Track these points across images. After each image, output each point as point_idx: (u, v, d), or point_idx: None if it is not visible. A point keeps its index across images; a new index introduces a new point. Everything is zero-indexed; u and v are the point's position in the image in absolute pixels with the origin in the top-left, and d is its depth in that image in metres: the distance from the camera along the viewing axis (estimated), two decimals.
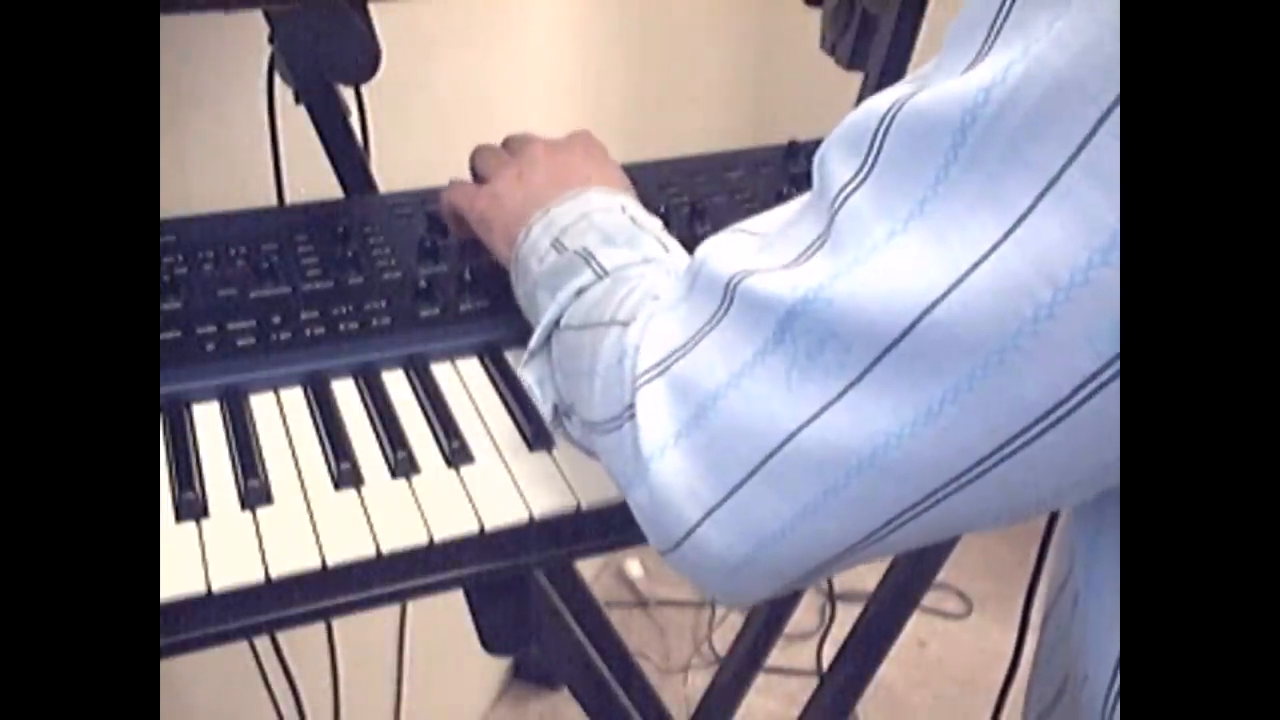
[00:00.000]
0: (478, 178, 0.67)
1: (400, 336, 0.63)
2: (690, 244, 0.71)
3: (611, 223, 0.55)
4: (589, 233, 0.54)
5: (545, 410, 0.53)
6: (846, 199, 0.35)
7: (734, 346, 0.38)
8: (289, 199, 0.87)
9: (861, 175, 0.35)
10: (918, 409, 0.34)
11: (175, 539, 0.50)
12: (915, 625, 1.15)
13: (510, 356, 0.63)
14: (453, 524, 0.51)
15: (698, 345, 0.40)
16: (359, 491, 0.54)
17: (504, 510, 0.52)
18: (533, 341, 0.53)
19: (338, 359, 0.62)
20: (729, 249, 0.42)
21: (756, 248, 0.40)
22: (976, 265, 0.32)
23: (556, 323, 0.52)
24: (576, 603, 0.93)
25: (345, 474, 0.54)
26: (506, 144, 0.69)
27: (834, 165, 0.36)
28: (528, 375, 0.53)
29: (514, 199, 0.60)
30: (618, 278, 0.50)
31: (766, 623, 1.24)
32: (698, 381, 0.39)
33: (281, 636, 1.01)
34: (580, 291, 0.51)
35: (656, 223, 0.57)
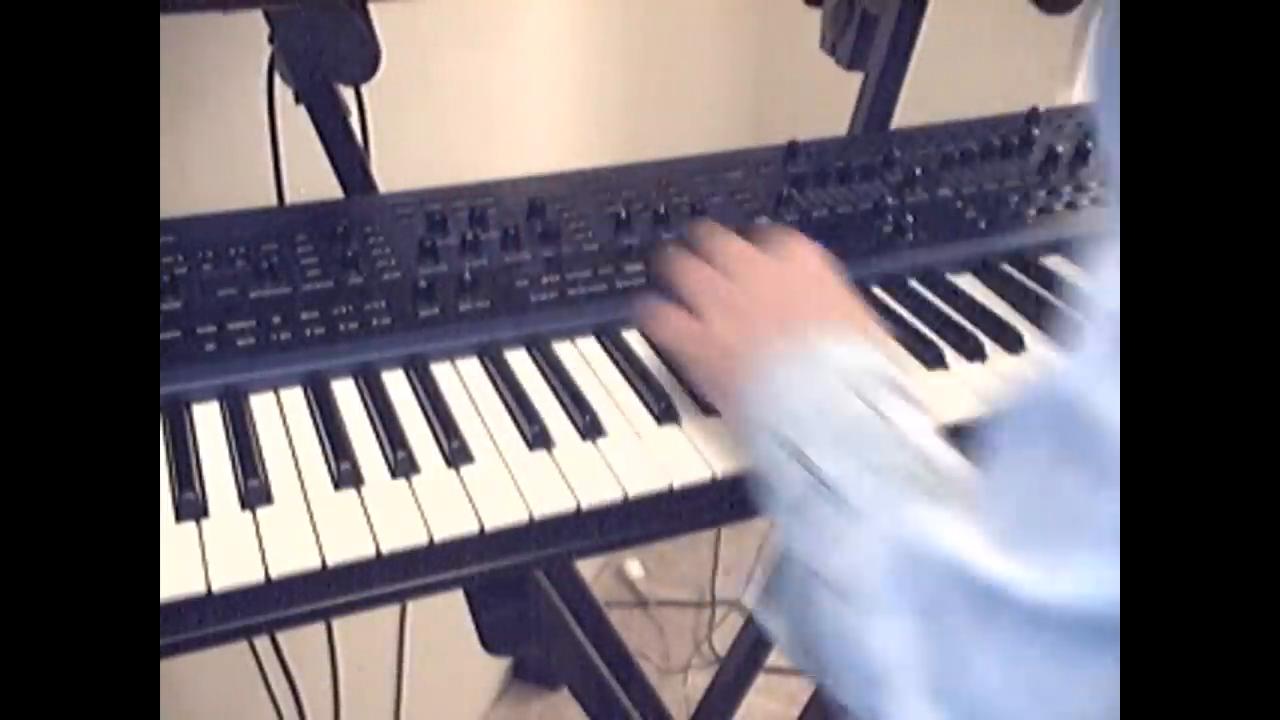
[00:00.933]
0: (674, 278, 0.60)
1: (400, 336, 0.63)
2: (691, 244, 0.72)
3: (840, 409, 0.47)
4: (811, 421, 0.47)
5: (797, 657, 0.47)
6: None
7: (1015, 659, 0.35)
8: (289, 199, 0.87)
9: None
10: None
11: (175, 539, 0.50)
12: None
13: (510, 356, 0.64)
14: (453, 524, 0.51)
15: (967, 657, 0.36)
16: (359, 491, 0.54)
17: (504, 510, 0.52)
18: (771, 578, 0.48)
19: (338, 359, 0.62)
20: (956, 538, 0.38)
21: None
22: None
23: (798, 562, 0.46)
24: (576, 603, 0.93)
25: (345, 474, 0.54)
26: (703, 245, 0.61)
27: None
28: (767, 620, 0.48)
29: (729, 345, 0.54)
30: (838, 501, 0.44)
31: None
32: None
33: (281, 636, 1.01)
34: (798, 507, 0.46)
35: (895, 376, 0.50)
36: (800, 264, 0.58)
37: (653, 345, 0.63)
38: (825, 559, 0.43)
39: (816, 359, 0.50)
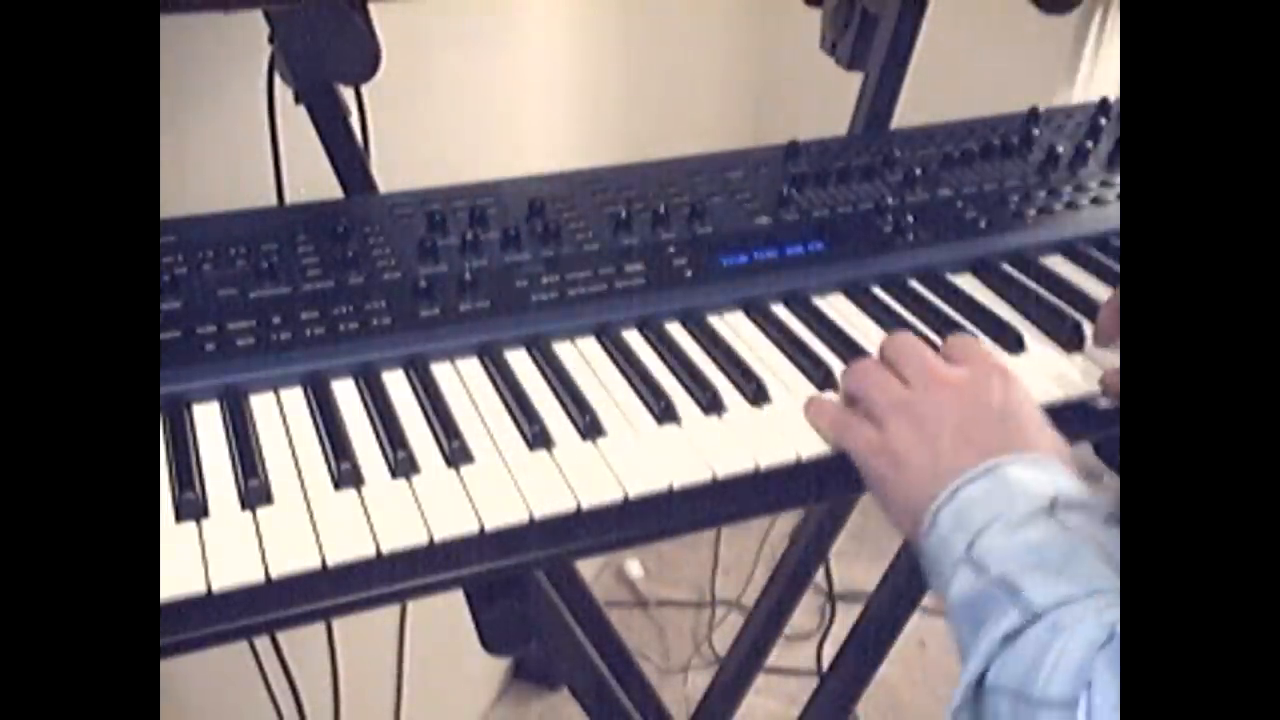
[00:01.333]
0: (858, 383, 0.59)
1: (400, 336, 0.63)
2: (690, 244, 0.72)
3: (1038, 532, 0.46)
4: (1011, 547, 0.46)
5: None
6: None
7: None
8: (289, 199, 0.87)
9: None
10: None
11: (175, 539, 0.50)
12: (915, 625, 1.15)
13: (510, 356, 0.64)
14: (453, 524, 0.51)
15: None
16: (359, 491, 0.54)
17: (504, 510, 0.52)
18: (957, 696, 0.45)
19: (338, 359, 0.61)
20: None
21: None
22: None
23: (982, 677, 0.44)
24: (576, 603, 0.93)
25: (345, 474, 0.54)
26: (886, 351, 0.59)
27: None
28: None
29: (916, 463, 0.52)
30: (1054, 624, 0.42)
31: (766, 623, 1.24)
32: None
33: (281, 636, 1.01)
34: (1007, 639, 0.44)
35: (1095, 500, 0.48)
36: (985, 377, 0.56)
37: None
38: (1044, 677, 0.41)
39: (1002, 475, 0.49)
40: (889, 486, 0.54)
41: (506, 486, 0.54)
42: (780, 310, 0.69)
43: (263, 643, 1.02)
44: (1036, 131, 0.88)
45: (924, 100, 0.97)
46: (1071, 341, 0.66)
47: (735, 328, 0.68)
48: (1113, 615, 0.41)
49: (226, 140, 0.89)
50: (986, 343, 0.66)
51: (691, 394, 0.61)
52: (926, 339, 0.66)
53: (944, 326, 0.67)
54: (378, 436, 0.57)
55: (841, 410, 0.58)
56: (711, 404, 0.60)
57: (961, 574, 0.47)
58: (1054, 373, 0.64)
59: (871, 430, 0.55)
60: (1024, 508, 0.47)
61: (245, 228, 0.70)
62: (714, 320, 0.68)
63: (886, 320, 0.69)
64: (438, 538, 0.51)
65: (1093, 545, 0.45)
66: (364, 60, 0.74)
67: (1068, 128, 0.90)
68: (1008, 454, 0.50)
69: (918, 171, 0.81)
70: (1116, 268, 0.74)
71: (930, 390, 0.55)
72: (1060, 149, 0.84)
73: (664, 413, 0.59)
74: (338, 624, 1.12)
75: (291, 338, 0.62)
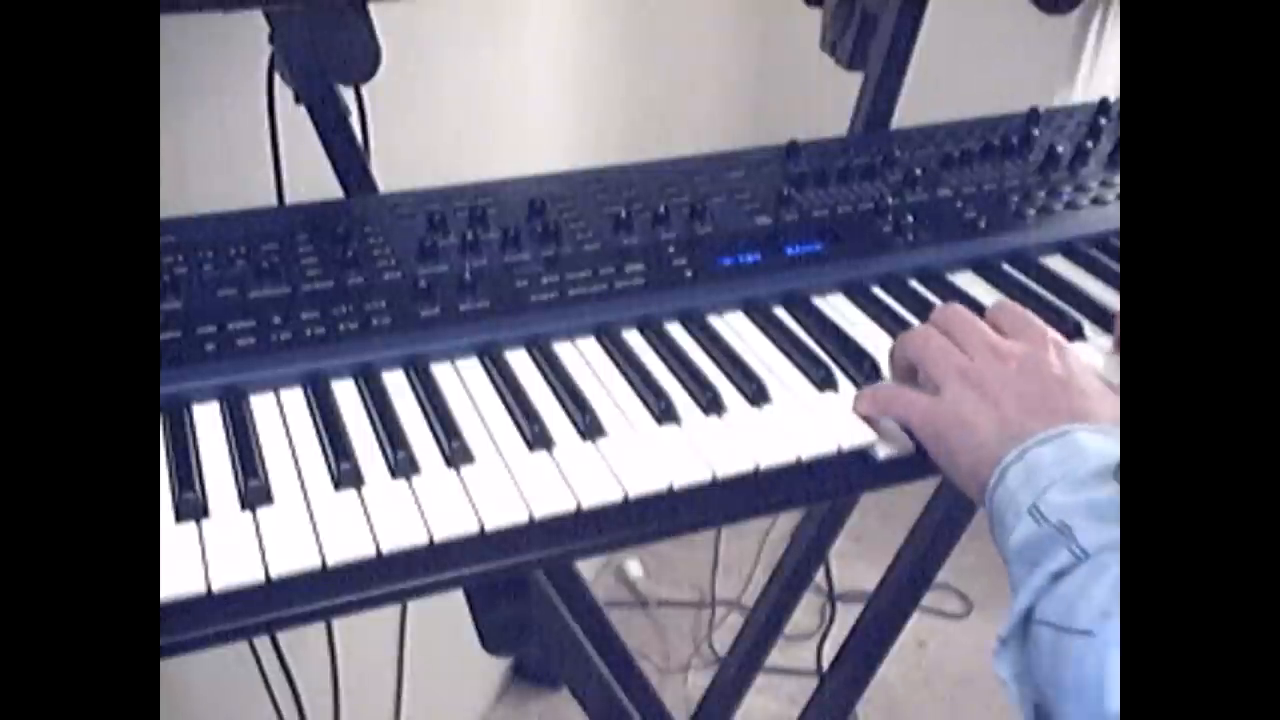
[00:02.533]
0: (906, 357, 0.60)
1: (400, 336, 0.63)
2: (690, 244, 0.72)
3: (1101, 491, 0.47)
4: (1072, 498, 0.47)
5: (1026, 712, 0.47)
6: None
7: None
8: (289, 199, 0.87)
9: None
10: None
11: (175, 539, 0.50)
12: (915, 625, 1.15)
13: (510, 356, 0.64)
14: (453, 524, 0.51)
15: None
16: (359, 491, 0.54)
17: (504, 510, 0.52)
18: (1003, 629, 0.47)
19: (338, 359, 0.61)
20: None
21: None
22: None
23: (1030, 612, 0.46)
24: (576, 603, 0.93)
25: (345, 474, 0.54)
26: (940, 322, 0.60)
27: None
28: (1001, 668, 0.48)
29: (983, 426, 0.53)
30: (1098, 564, 0.44)
31: (766, 623, 1.24)
32: None
33: (281, 636, 1.01)
34: (1056, 576, 0.46)
35: None
36: (1042, 348, 0.57)
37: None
38: (1081, 609, 0.43)
39: (1071, 439, 0.50)
40: (954, 445, 0.54)
41: (506, 486, 0.54)
42: (780, 310, 0.69)
43: (263, 643, 1.01)
44: (1036, 131, 0.88)
45: (924, 100, 0.97)
46: (1071, 341, 0.66)
47: (735, 328, 0.68)
48: None
49: (226, 140, 0.89)
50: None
51: (691, 394, 0.61)
52: None
53: None
54: (378, 437, 0.57)
55: (891, 387, 0.59)
56: (711, 404, 0.60)
57: (1024, 523, 0.49)
58: None
59: (930, 396, 0.56)
60: (1089, 469, 0.48)
61: (245, 228, 0.70)
62: (714, 320, 0.68)
63: (886, 320, 0.69)
64: (438, 538, 0.51)
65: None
66: (364, 60, 0.74)
67: (1068, 128, 0.90)
68: (1075, 419, 0.51)
69: (918, 171, 0.81)
70: (1116, 268, 0.74)
71: (991, 358, 0.56)
72: (1060, 149, 0.84)
73: (664, 413, 0.59)
74: (338, 624, 1.12)
75: (291, 338, 0.62)
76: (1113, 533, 0.45)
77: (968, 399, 0.55)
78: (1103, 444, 0.49)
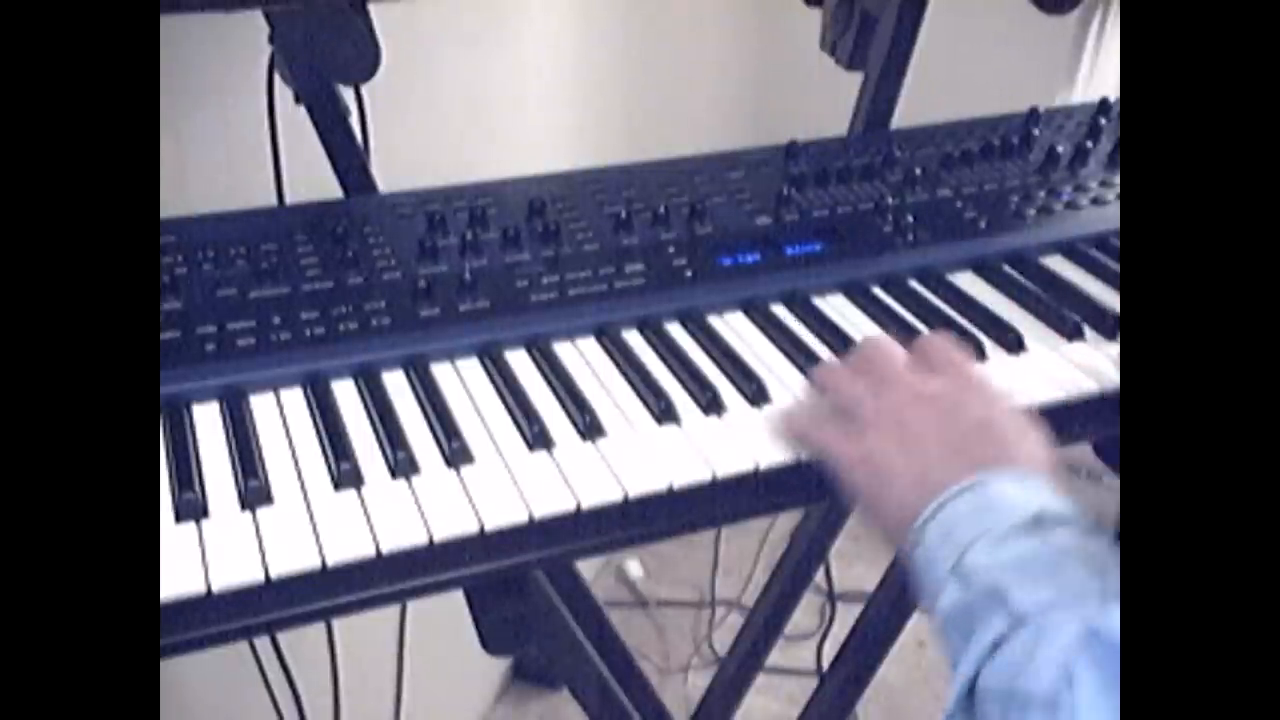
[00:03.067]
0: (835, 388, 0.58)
1: (400, 336, 0.63)
2: (690, 244, 0.72)
3: (1023, 547, 0.46)
4: (996, 556, 0.46)
5: None
6: None
7: None
8: (289, 199, 0.87)
9: None
10: None
11: (175, 539, 0.50)
12: (915, 625, 1.15)
13: (510, 356, 0.64)
14: (453, 524, 0.51)
15: None
16: (359, 491, 0.54)
17: (504, 510, 0.52)
18: (950, 703, 0.46)
19: (338, 359, 0.61)
20: None
21: None
22: None
23: (973, 684, 0.45)
24: (576, 603, 0.93)
25: (345, 474, 0.54)
26: (861, 356, 0.58)
27: None
28: None
29: (899, 476, 0.52)
30: (1039, 627, 0.43)
31: (766, 623, 1.24)
32: None
33: (281, 636, 1.01)
34: (996, 645, 0.44)
35: (1077, 513, 0.48)
36: (963, 388, 0.55)
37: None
38: (1030, 677, 0.42)
39: (987, 492, 0.49)
40: (873, 498, 0.53)
41: (506, 487, 0.54)
42: (780, 310, 0.69)
43: (263, 643, 1.01)
44: (1036, 131, 0.88)
45: (924, 100, 0.97)
46: (1071, 341, 0.66)
47: (735, 328, 0.68)
48: (1095, 617, 0.42)
49: (226, 140, 0.89)
50: (987, 343, 0.66)
51: (691, 394, 0.61)
52: None
53: (944, 327, 0.67)
54: (377, 437, 0.57)
55: (814, 419, 0.57)
56: (711, 404, 0.60)
57: (950, 588, 0.48)
58: (1054, 373, 0.64)
59: (851, 440, 0.55)
60: (1008, 523, 0.47)
61: (245, 228, 0.70)
62: (714, 320, 0.68)
63: (886, 320, 0.69)
64: (438, 538, 0.51)
65: (1077, 556, 0.46)
66: (364, 60, 0.74)
67: (1068, 128, 0.90)
68: (991, 467, 0.50)
69: (918, 171, 0.81)
70: (1116, 268, 0.74)
71: (909, 401, 0.54)
72: (1060, 149, 0.84)
73: (664, 413, 0.59)
74: (338, 624, 1.12)
75: (291, 338, 0.62)
76: (1048, 591, 0.44)
77: (886, 447, 0.53)
78: (1018, 494, 0.48)
